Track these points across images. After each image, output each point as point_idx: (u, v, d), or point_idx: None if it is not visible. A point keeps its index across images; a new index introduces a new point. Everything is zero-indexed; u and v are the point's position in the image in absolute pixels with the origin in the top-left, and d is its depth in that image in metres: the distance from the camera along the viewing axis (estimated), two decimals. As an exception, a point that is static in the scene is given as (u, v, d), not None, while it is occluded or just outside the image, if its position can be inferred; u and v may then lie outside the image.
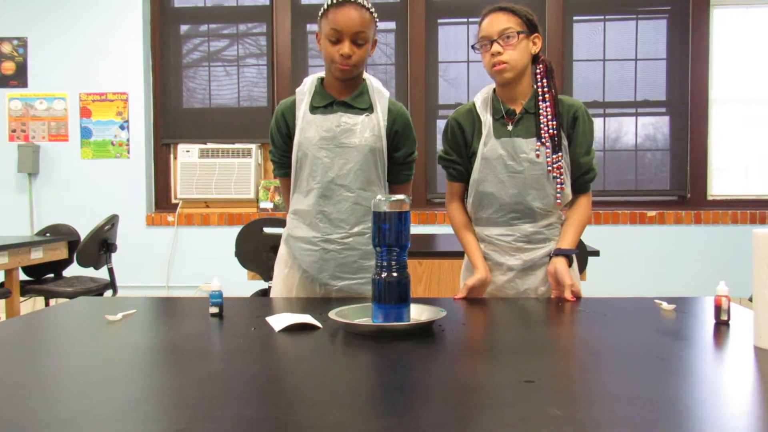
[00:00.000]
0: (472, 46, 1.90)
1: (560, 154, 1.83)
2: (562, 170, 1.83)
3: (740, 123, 4.80)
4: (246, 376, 1.08)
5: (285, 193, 2.05)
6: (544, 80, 1.85)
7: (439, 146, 4.98)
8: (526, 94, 1.87)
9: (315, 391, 1.00)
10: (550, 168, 1.82)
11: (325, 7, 1.80)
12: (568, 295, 1.74)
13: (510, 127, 1.86)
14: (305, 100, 1.89)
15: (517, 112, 1.86)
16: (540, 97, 1.84)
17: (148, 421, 0.88)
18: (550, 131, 1.82)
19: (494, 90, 1.92)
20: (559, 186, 1.84)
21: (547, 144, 1.82)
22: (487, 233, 1.90)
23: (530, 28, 1.83)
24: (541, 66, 1.86)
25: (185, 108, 4.96)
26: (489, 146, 1.86)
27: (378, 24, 1.87)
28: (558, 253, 1.83)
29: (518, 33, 1.79)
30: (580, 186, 1.91)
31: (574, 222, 1.88)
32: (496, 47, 1.79)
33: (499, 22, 1.80)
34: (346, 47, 1.77)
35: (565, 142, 1.85)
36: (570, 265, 1.83)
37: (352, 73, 1.83)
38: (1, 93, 4.88)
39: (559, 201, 1.85)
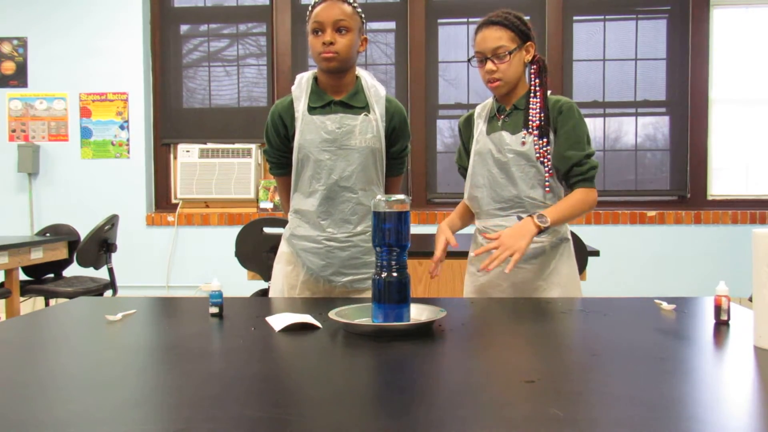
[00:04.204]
0: (468, 60, 1.96)
1: (546, 140, 1.86)
2: (548, 157, 1.87)
3: (740, 123, 4.80)
4: (246, 376, 1.08)
5: (282, 193, 2.06)
6: (537, 80, 1.91)
7: (440, 147, 5.01)
8: (521, 92, 1.94)
9: (315, 391, 1.00)
10: (538, 155, 1.85)
11: (310, 8, 1.86)
12: (486, 249, 1.70)
13: (500, 123, 1.94)
14: (302, 99, 1.90)
15: (508, 108, 1.94)
16: (531, 94, 1.91)
17: (148, 421, 0.88)
18: (537, 122, 1.87)
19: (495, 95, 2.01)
20: (547, 172, 1.86)
21: (535, 133, 1.87)
22: (484, 224, 1.97)
23: (523, 38, 1.87)
24: (534, 66, 1.92)
25: (185, 108, 4.95)
26: (480, 142, 1.95)
27: (365, 22, 1.91)
28: (531, 214, 1.76)
29: (509, 52, 1.84)
30: (572, 180, 1.87)
31: (564, 200, 1.84)
32: (490, 65, 1.86)
33: (492, 39, 1.85)
34: (327, 35, 1.81)
35: (551, 136, 1.88)
36: (539, 232, 1.74)
37: (338, 62, 1.83)
38: (1, 93, 4.88)
39: (548, 189, 1.87)
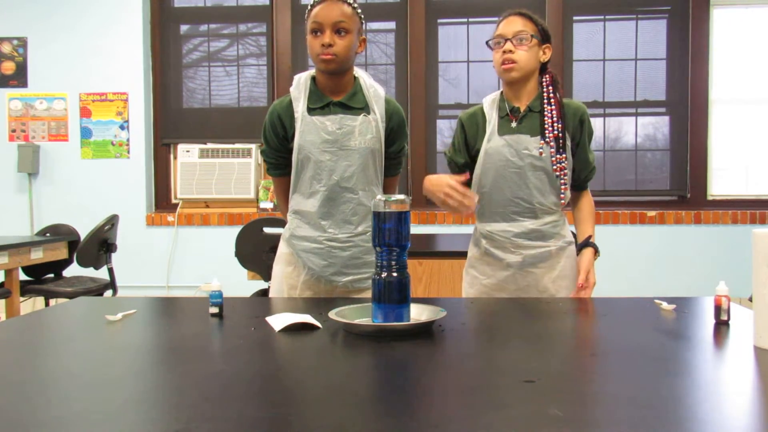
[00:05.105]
0: (486, 43, 1.96)
1: (564, 155, 1.88)
2: (565, 171, 1.88)
3: (740, 123, 4.80)
4: (246, 376, 1.08)
5: (279, 194, 2.05)
6: (550, 87, 1.93)
7: (440, 146, 5.03)
8: (532, 95, 1.94)
9: (315, 391, 1.00)
10: (555, 167, 1.88)
11: (309, 7, 1.86)
12: (582, 279, 1.85)
13: (514, 124, 1.92)
14: (301, 100, 1.90)
15: (522, 109, 1.92)
16: (545, 101, 1.91)
17: (148, 421, 0.88)
18: (555, 132, 1.87)
19: (501, 93, 1.99)
20: (563, 186, 1.89)
21: (552, 144, 1.87)
22: (489, 228, 1.95)
23: (543, 37, 1.91)
24: (547, 76, 1.94)
25: (185, 108, 4.95)
26: (492, 142, 1.92)
27: (364, 22, 1.91)
28: (581, 247, 1.92)
29: (532, 37, 1.87)
30: (582, 183, 2.00)
31: (586, 216, 1.99)
32: (508, 45, 1.87)
33: (515, 25, 1.89)
34: (326, 37, 1.80)
35: (569, 143, 1.91)
36: (596, 256, 1.92)
37: (336, 64, 1.83)
38: (1, 93, 4.88)
39: (563, 201, 1.92)
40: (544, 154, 1.87)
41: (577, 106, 1.94)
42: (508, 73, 1.88)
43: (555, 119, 1.88)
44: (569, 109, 1.91)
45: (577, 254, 1.92)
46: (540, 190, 1.88)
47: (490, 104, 1.98)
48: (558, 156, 1.87)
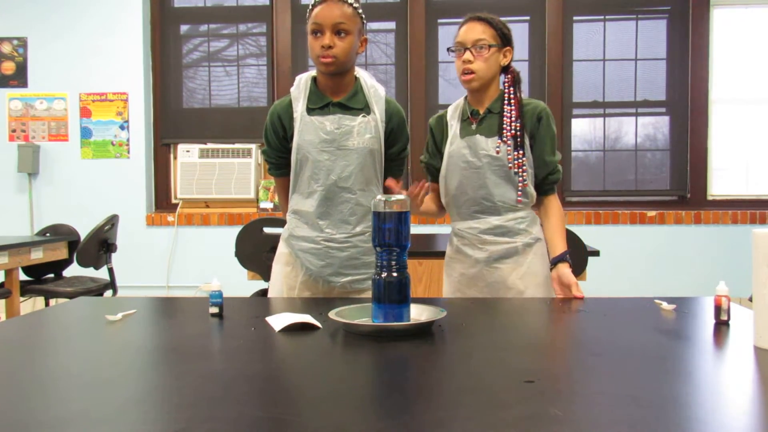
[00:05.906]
0: (448, 49, 1.99)
1: (521, 151, 1.90)
2: (524, 167, 1.90)
3: (740, 123, 4.80)
4: (246, 376, 1.08)
5: (281, 193, 2.06)
6: (511, 88, 1.95)
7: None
8: (493, 97, 1.97)
9: (315, 391, 1.00)
10: (511, 165, 1.89)
11: (310, 7, 1.86)
12: (576, 292, 1.80)
13: (474, 126, 1.96)
14: (301, 100, 1.90)
15: (481, 112, 1.96)
16: (505, 101, 1.93)
17: (148, 421, 0.88)
18: (512, 131, 1.90)
19: (465, 97, 2.03)
20: (521, 183, 1.90)
21: (509, 142, 1.89)
22: (459, 227, 2.00)
23: (503, 41, 1.93)
24: (509, 76, 1.96)
25: (185, 108, 4.95)
26: (454, 145, 1.97)
27: (366, 22, 1.91)
28: (556, 261, 1.89)
29: (490, 46, 1.89)
30: (546, 187, 1.98)
31: (555, 228, 1.95)
32: (467, 55, 1.90)
33: (474, 32, 1.90)
34: (326, 39, 1.80)
35: (527, 141, 1.92)
36: (571, 267, 1.88)
37: (336, 66, 1.83)
38: (1, 93, 4.88)
39: (520, 198, 1.91)
40: (500, 153, 1.89)
41: (536, 104, 1.95)
42: (468, 83, 1.92)
43: (513, 119, 1.90)
44: (528, 108, 1.94)
45: (551, 269, 1.89)
46: (500, 188, 1.91)
47: (453, 109, 2.03)
48: (515, 153, 1.89)
